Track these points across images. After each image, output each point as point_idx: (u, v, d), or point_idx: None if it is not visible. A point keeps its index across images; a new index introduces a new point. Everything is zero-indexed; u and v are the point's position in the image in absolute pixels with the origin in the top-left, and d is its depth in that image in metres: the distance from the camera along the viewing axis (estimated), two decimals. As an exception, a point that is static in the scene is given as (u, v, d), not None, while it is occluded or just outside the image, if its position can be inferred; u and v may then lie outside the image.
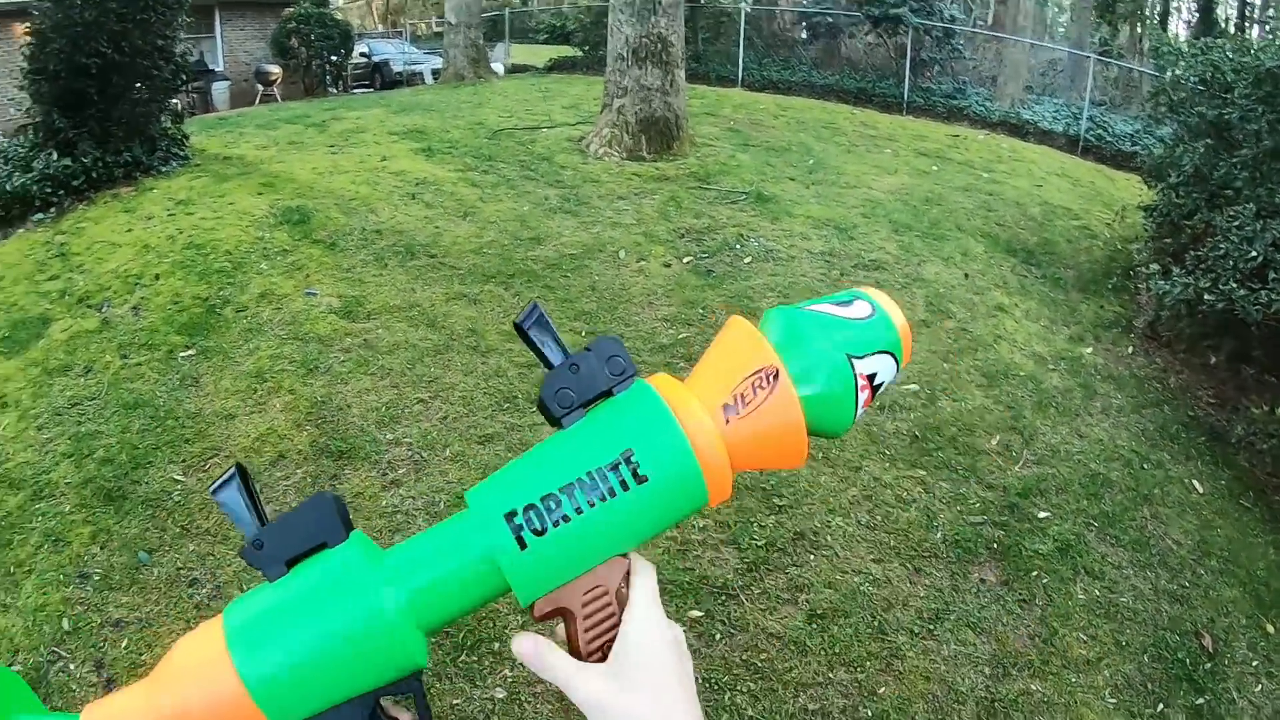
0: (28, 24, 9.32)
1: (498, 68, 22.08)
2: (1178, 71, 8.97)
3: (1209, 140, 8.08)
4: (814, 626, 4.43)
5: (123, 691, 0.77)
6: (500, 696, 3.87)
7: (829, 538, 4.98)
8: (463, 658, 4.03)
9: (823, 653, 4.30)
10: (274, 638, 0.72)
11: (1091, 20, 26.03)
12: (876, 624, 4.49)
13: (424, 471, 5.23)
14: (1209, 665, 4.77)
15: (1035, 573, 5.02)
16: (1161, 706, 4.44)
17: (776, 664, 4.22)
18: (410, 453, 5.37)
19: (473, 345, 6.49)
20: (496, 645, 4.09)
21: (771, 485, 5.26)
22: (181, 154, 9.91)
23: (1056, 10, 41.86)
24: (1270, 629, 5.17)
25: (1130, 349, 7.90)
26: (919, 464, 5.67)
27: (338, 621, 0.72)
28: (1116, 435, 6.55)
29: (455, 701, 3.86)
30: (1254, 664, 4.90)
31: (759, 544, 4.85)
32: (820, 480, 5.38)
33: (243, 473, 0.78)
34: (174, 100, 10.33)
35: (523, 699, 3.86)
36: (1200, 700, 4.55)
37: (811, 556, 4.84)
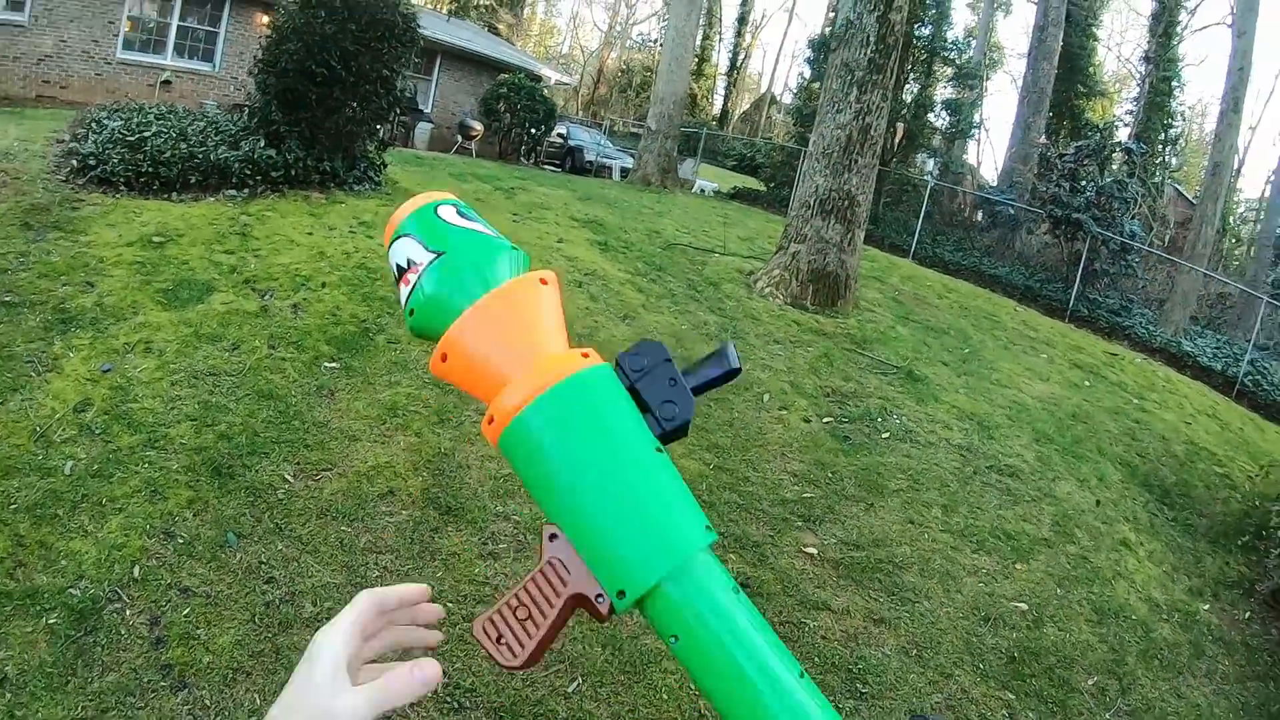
0: (270, 18, 10.14)
1: (704, 185, 22.71)
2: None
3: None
4: None
5: None
6: None
7: (904, 738, 4.92)
8: None
9: None
10: None
11: (1270, 259, 25.49)
12: None
13: (523, 553, 5.31)
14: None
15: (1102, 831, 4.90)
16: None
17: None
18: (515, 530, 5.48)
19: (606, 447, 6.66)
20: None
21: (858, 670, 5.24)
22: (375, 179, 10.59)
23: (1234, 242, 41.15)
24: None
25: (1248, 614, 7.67)
26: (1010, 686, 5.58)
27: None
28: (1216, 703, 6.36)
29: None
30: None
31: (832, 725, 4.84)
32: (908, 677, 5.34)
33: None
34: (381, 128, 10.98)
35: None
36: None
37: (883, 753, 4.78)
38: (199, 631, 4.23)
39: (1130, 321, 17.38)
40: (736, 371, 0.82)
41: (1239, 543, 8.68)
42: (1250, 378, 16.31)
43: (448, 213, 0.88)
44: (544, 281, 0.84)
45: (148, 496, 4.97)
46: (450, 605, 4.77)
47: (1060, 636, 6.23)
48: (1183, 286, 19.39)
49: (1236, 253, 40.28)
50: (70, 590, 4.29)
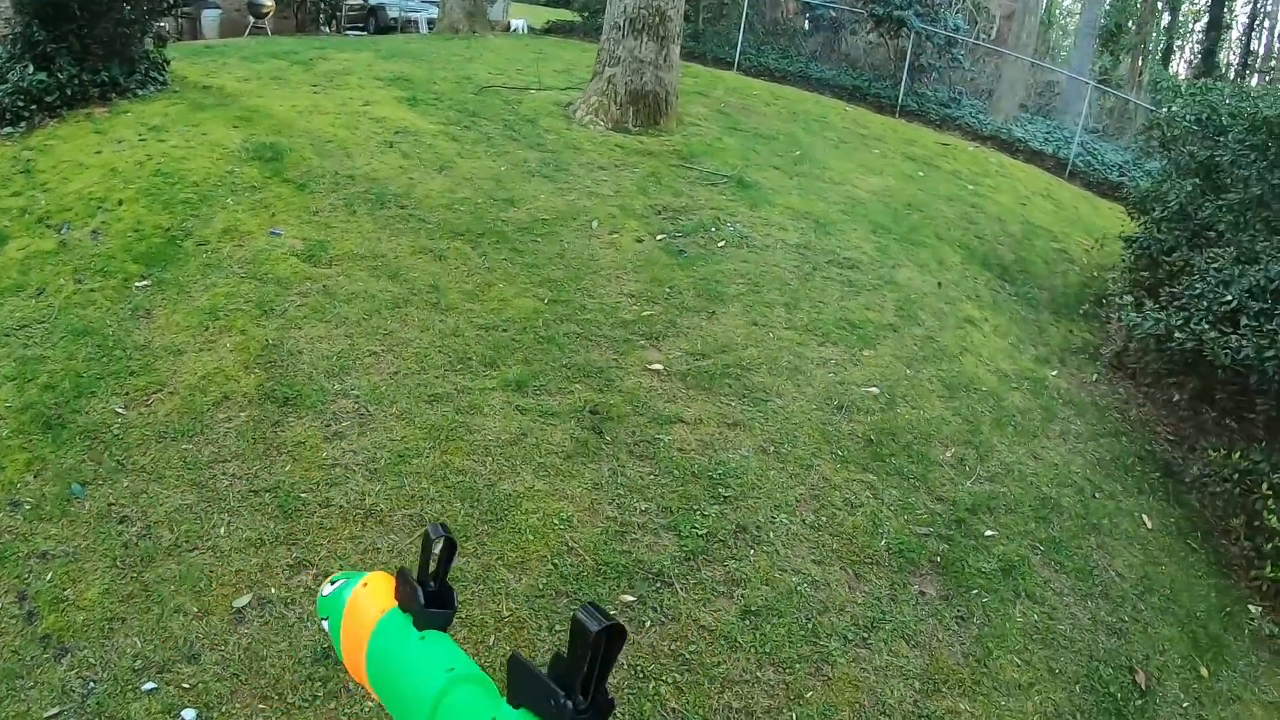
0: (13, -71, 8.99)
1: (519, 24, 21.71)
2: (1174, 108, 8.97)
3: (1197, 180, 8.08)
4: (746, 623, 4.35)
5: None
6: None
7: (771, 534, 4.89)
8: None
9: (753, 650, 4.22)
10: None
11: (1094, 48, 26.01)
12: (810, 626, 4.41)
13: (368, 426, 5.11)
14: (1140, 702, 4.72)
15: (976, 591, 4.95)
16: (1089, 738, 4.38)
17: (705, 658, 4.13)
18: (356, 405, 5.24)
19: (433, 301, 6.35)
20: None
21: (718, 475, 5.16)
22: (160, 79, 9.64)
23: (1061, 34, 42.12)
24: (1204, 672, 5.13)
25: (1094, 376, 7.86)
26: (870, 468, 5.58)
27: None
28: (1071, 461, 6.50)
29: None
30: (1184, 705, 4.86)
31: (700, 533, 4.76)
32: (769, 474, 5.28)
33: None
34: (160, 23, 10.00)
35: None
36: (1129, 736, 4.50)
37: (751, 551, 4.75)
38: (66, 592, 4.04)
39: (960, 112, 17.45)
40: (448, 542, 0.99)
41: (1080, 311, 8.87)
42: (1081, 159, 16.67)
43: (325, 588, 1.13)
44: (364, 584, 1.07)
45: (-16, 473, 4.65)
46: (304, 495, 4.61)
47: (914, 415, 6.24)
48: (1010, 76, 19.52)
49: (1064, 44, 41.14)
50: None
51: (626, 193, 8.74)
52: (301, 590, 4.09)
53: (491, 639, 4.06)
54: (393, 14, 22.50)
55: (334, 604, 1.10)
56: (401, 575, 1.00)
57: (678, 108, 11.26)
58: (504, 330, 6.17)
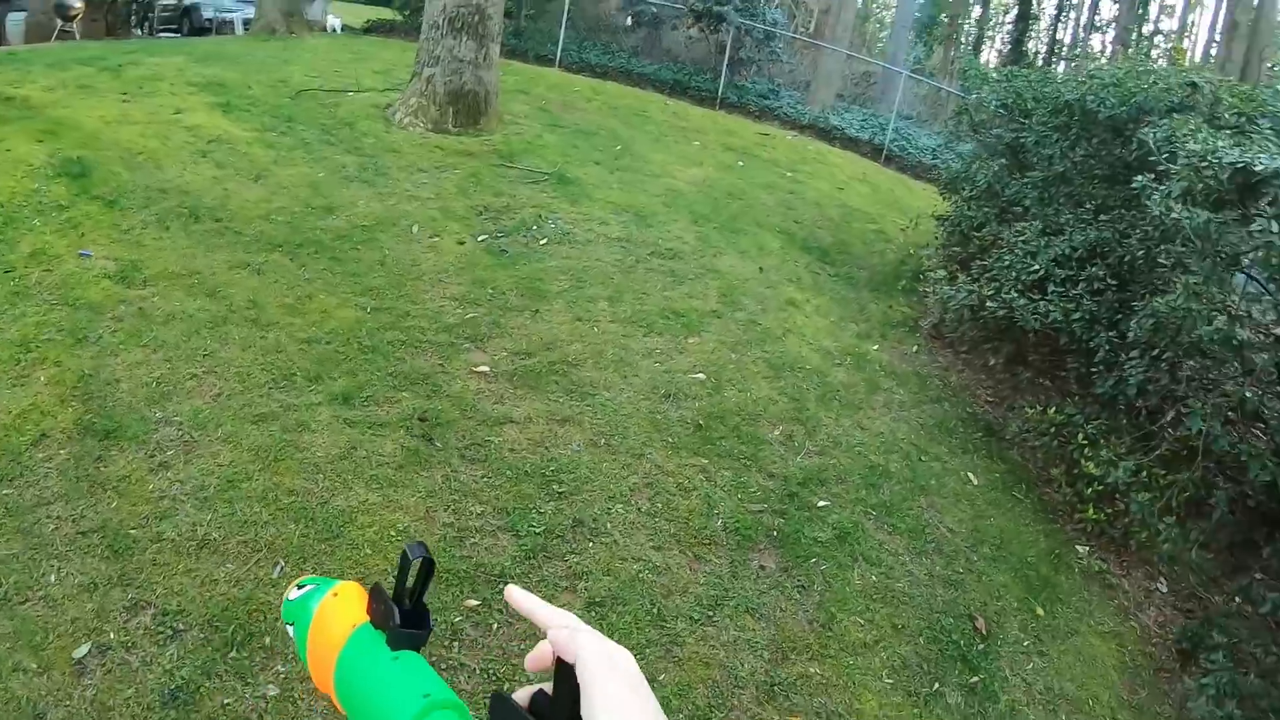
0: None
1: (334, 22, 21.13)
2: (983, 94, 9.37)
3: (1004, 160, 8.52)
4: (593, 614, 4.37)
5: None
6: (273, 694, 3.63)
7: (609, 525, 4.93)
8: (233, 654, 3.77)
9: (602, 641, 4.21)
10: None
11: (909, 39, 27.02)
12: (656, 611, 4.46)
13: (194, 453, 4.89)
14: (982, 646, 4.94)
15: (814, 560, 5.09)
16: (937, 685, 4.57)
17: (555, 653, 4.10)
18: (180, 433, 5.01)
19: (252, 318, 6.13)
20: (267, 640, 3.82)
21: (551, 472, 5.17)
22: None
23: (878, 27, 43.67)
24: (1040, 611, 5.40)
25: (915, 348, 8.17)
26: (701, 452, 5.68)
27: None
28: (897, 429, 6.74)
29: (226, 700, 3.60)
30: (1025, 644, 5.11)
31: (537, 531, 4.76)
32: (601, 467, 5.32)
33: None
34: None
35: (296, 695, 3.62)
36: (975, 679, 4.71)
37: (591, 544, 4.78)
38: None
39: (779, 103, 17.94)
40: (426, 561, 0.97)
41: (899, 288, 9.20)
42: (896, 144, 17.38)
43: (292, 592, 1.10)
44: (334, 594, 1.04)
45: None
46: (133, 531, 4.35)
47: (741, 397, 6.38)
48: (827, 68, 20.22)
49: (881, 36, 42.64)
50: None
51: (447, 195, 8.67)
52: (141, 632, 3.88)
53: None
54: (207, 15, 21.56)
55: (301, 610, 1.08)
56: (376, 592, 0.99)
57: (498, 107, 11.23)
58: (327, 343, 6.02)
